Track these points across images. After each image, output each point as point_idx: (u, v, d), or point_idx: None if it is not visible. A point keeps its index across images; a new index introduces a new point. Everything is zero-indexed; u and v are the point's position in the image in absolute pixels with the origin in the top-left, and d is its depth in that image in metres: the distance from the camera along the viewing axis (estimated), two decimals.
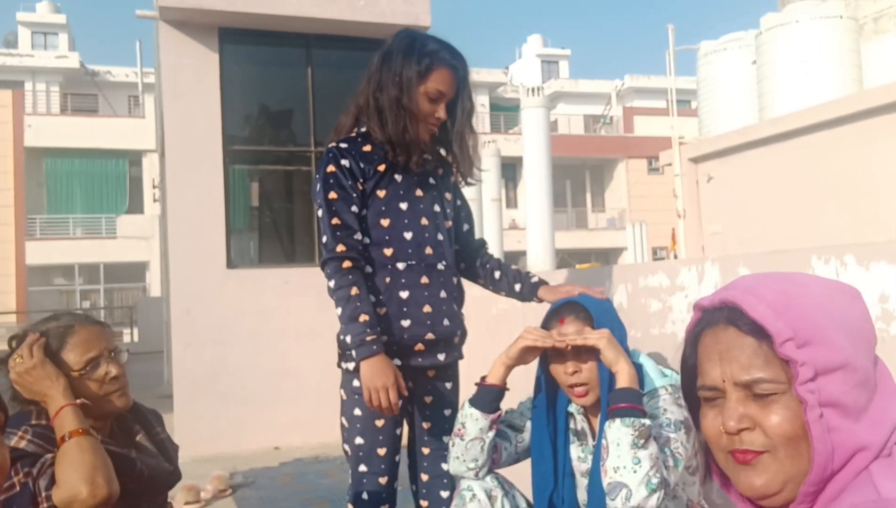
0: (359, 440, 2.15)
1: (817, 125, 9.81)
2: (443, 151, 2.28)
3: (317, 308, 5.17)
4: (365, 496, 2.15)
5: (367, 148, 2.14)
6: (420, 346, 2.14)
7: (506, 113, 32.87)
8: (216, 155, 5.41)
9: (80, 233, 26.87)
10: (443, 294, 2.17)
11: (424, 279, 2.14)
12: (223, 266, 5.36)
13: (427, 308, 2.13)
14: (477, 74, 35.77)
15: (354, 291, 2.02)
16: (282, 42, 5.64)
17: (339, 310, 2.03)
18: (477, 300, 4.29)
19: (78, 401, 1.68)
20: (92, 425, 1.70)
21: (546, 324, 2.02)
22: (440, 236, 2.21)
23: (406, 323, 2.11)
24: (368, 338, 1.99)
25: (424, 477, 2.24)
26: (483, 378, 2.01)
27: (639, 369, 1.92)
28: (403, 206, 2.16)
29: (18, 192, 24.39)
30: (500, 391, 1.99)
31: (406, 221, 2.15)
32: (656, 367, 1.97)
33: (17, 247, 24.19)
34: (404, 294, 2.12)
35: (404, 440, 2.24)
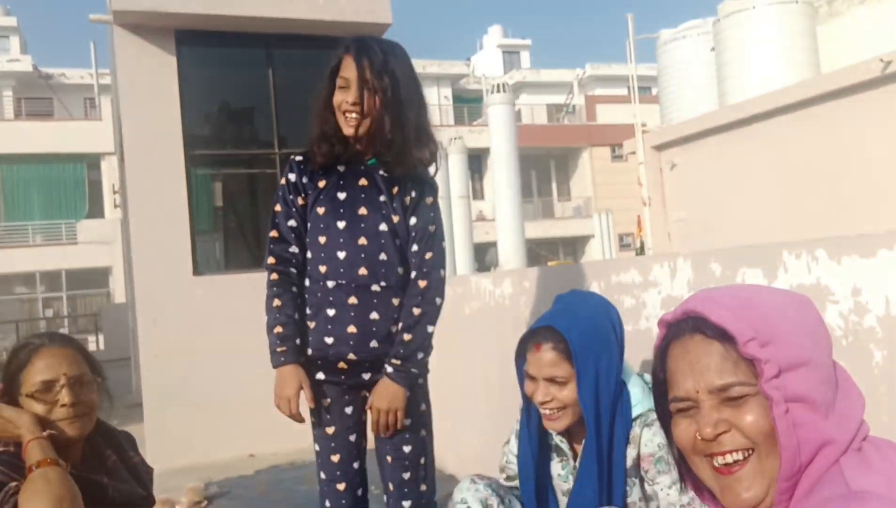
0: (316, 448, 2.22)
1: (776, 110, 9.96)
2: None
3: None
4: (328, 503, 2.18)
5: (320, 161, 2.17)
6: (343, 365, 2.13)
7: (469, 105, 32.89)
8: (178, 159, 5.30)
9: (40, 240, 26.31)
10: (374, 316, 2.11)
11: (353, 300, 2.10)
12: (189, 273, 5.27)
13: (352, 329, 2.10)
14: (439, 67, 35.69)
15: (276, 302, 2.14)
16: (241, 43, 5.55)
17: (269, 316, 2.15)
18: (449, 300, 4.27)
19: (45, 433, 1.68)
20: (59, 453, 1.66)
21: (522, 346, 1.96)
22: (383, 257, 2.12)
23: (329, 340, 2.12)
24: (279, 349, 2.11)
25: (391, 487, 2.22)
26: None
27: (625, 395, 1.88)
28: (341, 225, 2.13)
29: None
30: None
31: (341, 240, 2.12)
32: (647, 389, 1.91)
33: None
34: (331, 312, 2.12)
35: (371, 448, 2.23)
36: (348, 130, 2.10)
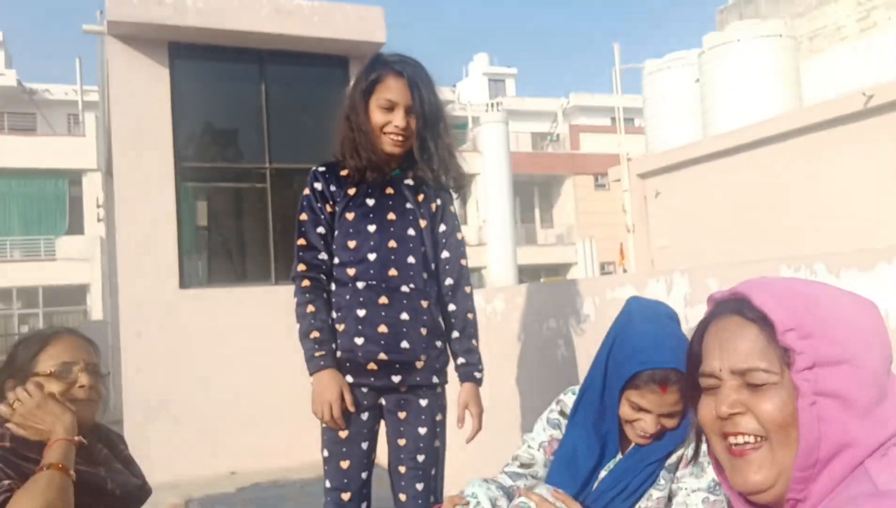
0: (325, 453, 2.17)
1: (759, 141, 10.11)
2: (426, 170, 2.23)
3: (271, 328, 5.07)
4: None
5: (345, 172, 2.21)
6: (373, 365, 2.12)
7: (455, 130, 33.04)
8: (167, 172, 5.28)
9: (18, 255, 25.95)
10: (404, 316, 2.14)
11: (384, 300, 2.13)
12: (175, 286, 5.22)
13: (382, 328, 2.12)
14: None
15: (310, 308, 2.12)
16: (235, 58, 5.55)
17: (298, 326, 2.13)
18: None
19: (77, 439, 1.67)
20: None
21: (634, 383, 1.81)
22: (411, 260, 2.18)
23: (360, 341, 2.12)
24: (317, 354, 2.08)
25: (402, 497, 2.19)
26: None
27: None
28: (371, 228, 2.17)
29: None
30: None
31: (372, 243, 2.16)
32: None
33: None
34: (361, 313, 2.13)
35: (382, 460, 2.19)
36: (392, 150, 2.16)
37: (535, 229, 33.61)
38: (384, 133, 2.14)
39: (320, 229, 2.18)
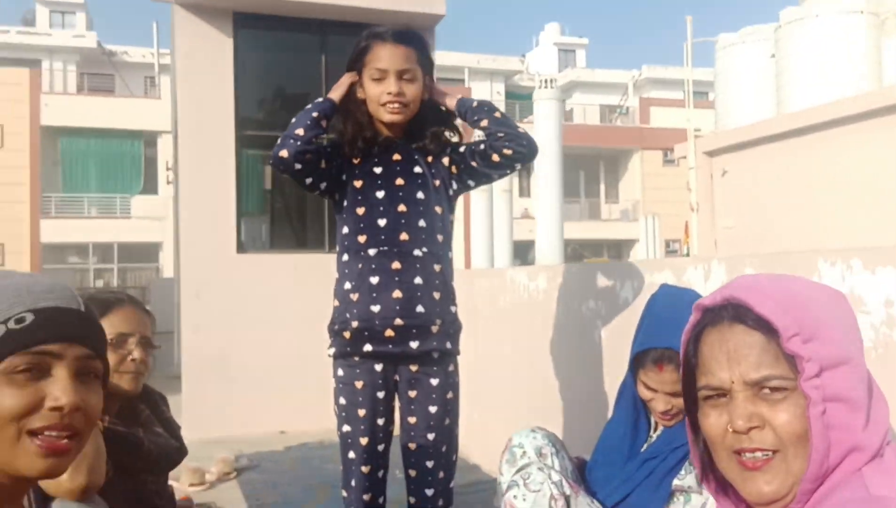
0: (345, 428, 2.22)
1: (835, 121, 9.72)
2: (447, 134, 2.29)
3: (326, 295, 5.18)
4: (353, 483, 2.22)
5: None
6: (390, 332, 2.14)
7: (521, 101, 32.67)
8: (229, 139, 5.42)
9: (95, 212, 27.05)
10: (418, 281, 2.15)
11: (396, 265, 2.14)
12: (233, 250, 5.38)
13: (397, 293, 2.13)
14: (493, 62, 35.61)
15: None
16: (297, 28, 5.63)
17: (300, 119, 2.16)
18: (484, 292, 4.29)
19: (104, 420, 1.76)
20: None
21: (640, 364, 1.94)
22: (422, 223, 2.18)
23: (376, 308, 2.13)
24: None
25: (412, 473, 2.25)
26: None
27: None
28: (380, 194, 2.19)
29: (34, 170, 24.56)
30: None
31: (381, 208, 2.17)
32: None
33: (31, 225, 24.38)
34: (374, 280, 2.14)
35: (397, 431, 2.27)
36: (392, 119, 2.17)
37: (599, 203, 33.16)
38: (381, 105, 2.15)
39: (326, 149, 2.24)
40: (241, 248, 5.46)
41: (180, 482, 3.78)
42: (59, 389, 1.02)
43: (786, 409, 0.98)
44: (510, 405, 3.87)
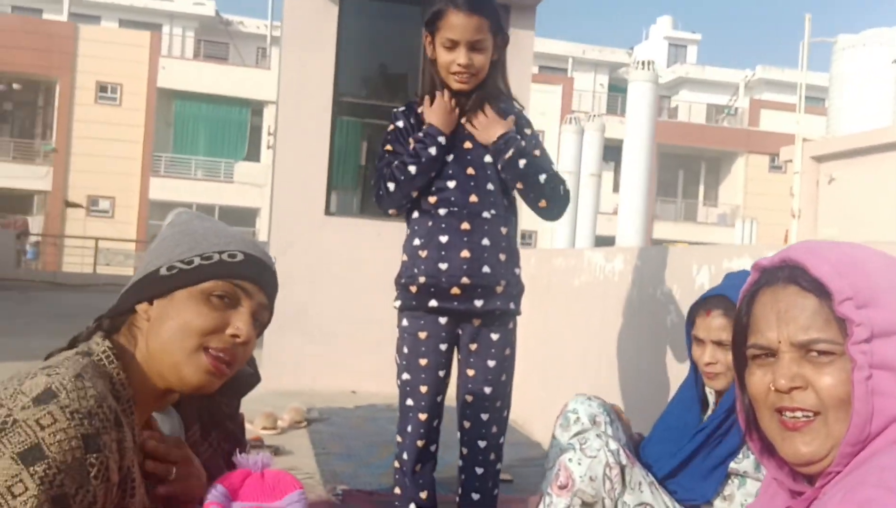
0: (405, 376, 2.29)
1: None
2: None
3: None
4: (409, 429, 2.29)
5: (421, 110, 2.31)
6: (456, 290, 2.20)
7: (624, 95, 32.09)
8: (326, 105, 5.57)
9: (201, 174, 28.20)
10: (485, 242, 2.21)
11: (465, 226, 2.20)
12: (321, 212, 5.55)
13: (465, 253, 2.19)
14: (599, 53, 35.02)
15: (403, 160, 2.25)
16: None
17: (413, 167, 2.21)
18: (559, 272, 4.29)
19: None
20: None
21: (693, 311, 2.00)
22: (490, 186, 2.24)
23: (444, 266, 2.19)
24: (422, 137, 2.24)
25: (466, 425, 2.31)
26: None
27: None
28: (449, 158, 2.25)
29: (148, 130, 25.89)
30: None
31: (451, 171, 2.24)
32: None
33: (142, 182, 25.76)
34: (443, 239, 2.20)
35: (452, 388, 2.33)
36: (459, 87, 2.23)
37: (696, 205, 32.24)
38: (451, 73, 2.20)
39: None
40: (329, 211, 5.63)
41: (254, 424, 3.96)
42: (241, 321, 1.22)
43: (831, 373, 0.97)
44: (578, 386, 3.86)
